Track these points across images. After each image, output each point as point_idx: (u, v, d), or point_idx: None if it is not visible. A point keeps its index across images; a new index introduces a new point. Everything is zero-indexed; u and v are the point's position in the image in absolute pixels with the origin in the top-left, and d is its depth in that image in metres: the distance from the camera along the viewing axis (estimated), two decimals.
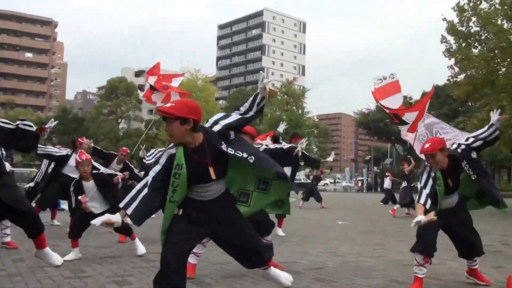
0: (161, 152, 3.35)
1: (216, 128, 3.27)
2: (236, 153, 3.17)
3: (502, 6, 18.02)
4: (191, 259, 4.93)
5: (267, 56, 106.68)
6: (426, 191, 4.46)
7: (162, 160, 3.18)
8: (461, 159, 4.66)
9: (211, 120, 3.36)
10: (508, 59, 18.54)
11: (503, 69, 19.31)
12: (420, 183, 4.61)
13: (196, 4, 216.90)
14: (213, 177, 3.18)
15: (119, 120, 65.13)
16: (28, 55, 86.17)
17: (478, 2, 19.21)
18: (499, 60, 18.85)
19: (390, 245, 8.10)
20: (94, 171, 6.41)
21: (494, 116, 4.93)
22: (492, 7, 18.75)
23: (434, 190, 4.53)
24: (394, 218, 14.49)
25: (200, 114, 3.15)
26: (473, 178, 4.64)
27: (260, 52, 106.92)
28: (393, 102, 8.24)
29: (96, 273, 5.17)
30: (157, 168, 3.18)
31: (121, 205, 3.07)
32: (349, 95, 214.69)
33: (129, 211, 3.03)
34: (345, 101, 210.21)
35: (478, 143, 4.82)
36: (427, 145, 4.55)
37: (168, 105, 3.15)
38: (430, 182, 4.55)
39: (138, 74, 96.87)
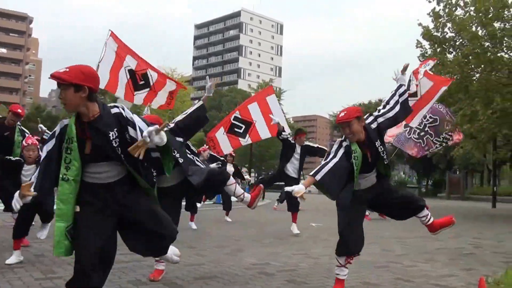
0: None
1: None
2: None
3: (476, 13, 18.28)
4: (159, 266, 4.88)
5: (244, 57, 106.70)
6: (328, 166, 4.08)
7: (56, 132, 3.02)
8: (375, 137, 4.30)
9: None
10: (482, 65, 18.81)
11: (477, 75, 19.61)
12: (326, 157, 4.24)
13: (173, 2, 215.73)
14: (87, 151, 2.93)
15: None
16: (2, 50, 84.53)
17: (454, 9, 19.45)
18: (473, 66, 19.11)
19: (363, 247, 8.09)
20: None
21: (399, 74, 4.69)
22: (467, 14, 19.01)
23: (345, 165, 4.13)
24: (369, 221, 14.53)
25: (97, 83, 2.99)
26: (385, 162, 4.40)
27: (237, 53, 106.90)
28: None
29: (67, 274, 5.02)
30: (51, 140, 3.02)
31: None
32: (325, 97, 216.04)
33: (33, 187, 2.93)
34: (321, 103, 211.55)
35: (391, 110, 4.46)
36: (342, 114, 4.23)
37: (62, 70, 2.91)
38: (340, 155, 4.16)
39: None
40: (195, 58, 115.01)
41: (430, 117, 10.66)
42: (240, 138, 9.64)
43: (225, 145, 9.45)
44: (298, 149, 9.40)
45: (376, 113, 4.47)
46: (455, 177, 44.55)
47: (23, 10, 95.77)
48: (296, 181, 8.79)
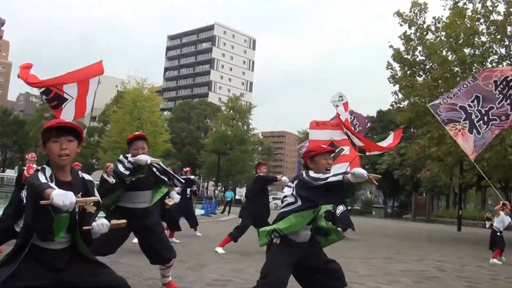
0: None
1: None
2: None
3: (447, 39, 18.57)
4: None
5: (216, 70, 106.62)
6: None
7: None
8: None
9: None
10: (451, 90, 19.04)
11: None
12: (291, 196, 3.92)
13: (147, 12, 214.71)
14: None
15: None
16: None
17: (425, 33, 19.73)
18: (442, 89, 19.34)
19: None
20: None
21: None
22: (438, 39, 19.32)
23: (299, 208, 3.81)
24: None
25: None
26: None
27: (209, 66, 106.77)
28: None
29: None
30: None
31: None
32: (294, 113, 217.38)
33: None
34: (290, 120, 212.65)
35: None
36: (326, 146, 4.10)
37: (68, 120, 2.89)
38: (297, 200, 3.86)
39: None
40: (166, 69, 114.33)
41: (469, 105, 8.21)
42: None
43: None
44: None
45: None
46: (421, 199, 45.06)
47: None
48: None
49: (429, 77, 19.44)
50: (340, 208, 16.03)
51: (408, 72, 20.27)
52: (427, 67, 19.95)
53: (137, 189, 5.05)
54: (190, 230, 12.33)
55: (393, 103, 21.57)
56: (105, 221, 2.79)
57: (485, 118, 7.26)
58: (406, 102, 20.93)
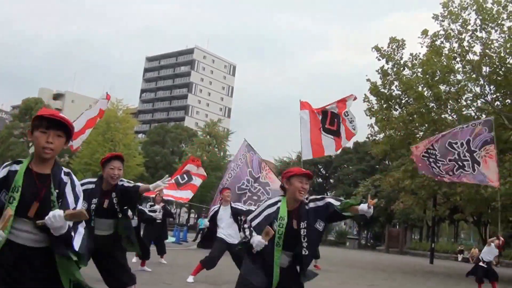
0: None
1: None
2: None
3: (423, 75, 18.94)
4: None
5: (194, 94, 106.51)
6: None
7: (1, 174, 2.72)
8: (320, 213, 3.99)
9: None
10: (426, 124, 19.38)
11: (421, 133, 20.14)
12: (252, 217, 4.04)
13: (124, 32, 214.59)
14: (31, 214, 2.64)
15: (30, 144, 61.93)
16: None
17: (402, 69, 20.09)
18: (417, 124, 19.66)
19: None
20: None
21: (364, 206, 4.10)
22: (414, 75, 19.70)
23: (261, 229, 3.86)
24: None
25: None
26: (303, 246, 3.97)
27: (187, 90, 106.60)
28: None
29: None
30: None
31: None
32: (272, 141, 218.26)
33: None
34: (268, 147, 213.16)
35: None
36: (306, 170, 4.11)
37: (60, 114, 2.76)
38: (260, 219, 3.96)
39: (56, 97, 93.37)
40: (143, 91, 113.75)
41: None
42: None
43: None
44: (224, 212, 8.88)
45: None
46: (395, 230, 45.25)
47: None
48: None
49: (405, 112, 19.73)
50: None
51: (384, 105, 20.57)
52: (403, 101, 20.29)
53: (99, 217, 4.99)
54: (157, 257, 12.13)
55: (369, 135, 21.80)
56: (57, 212, 2.57)
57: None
58: (381, 135, 21.17)
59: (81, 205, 2.81)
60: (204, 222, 32.89)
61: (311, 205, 4.04)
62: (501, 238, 11.14)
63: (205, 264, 8.62)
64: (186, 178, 13.41)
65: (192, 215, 46.62)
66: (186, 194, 13.38)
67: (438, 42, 19.54)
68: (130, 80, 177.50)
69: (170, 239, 22.93)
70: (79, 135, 8.75)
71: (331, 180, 49.20)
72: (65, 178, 2.80)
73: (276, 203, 4.03)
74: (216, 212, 8.78)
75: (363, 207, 4.03)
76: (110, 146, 41.51)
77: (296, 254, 3.98)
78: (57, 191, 2.69)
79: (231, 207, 8.73)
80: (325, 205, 4.01)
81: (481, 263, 11.13)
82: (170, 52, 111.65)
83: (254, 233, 3.87)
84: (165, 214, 12.68)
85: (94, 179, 5.16)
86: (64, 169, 2.86)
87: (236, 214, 8.61)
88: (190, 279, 8.71)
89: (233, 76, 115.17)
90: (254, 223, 3.96)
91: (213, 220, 8.83)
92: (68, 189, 2.77)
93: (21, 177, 2.64)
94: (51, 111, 2.77)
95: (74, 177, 2.87)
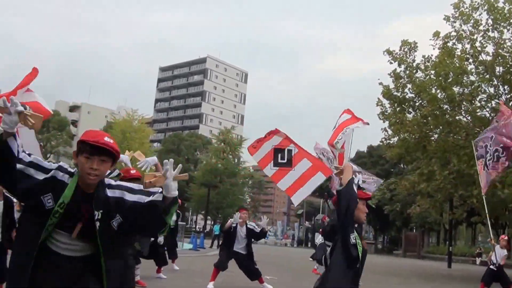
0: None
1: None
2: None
3: (436, 77, 18.85)
4: None
5: (207, 102, 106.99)
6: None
7: (52, 173, 2.60)
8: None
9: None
10: (440, 127, 19.28)
11: (435, 136, 20.06)
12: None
13: (138, 42, 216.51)
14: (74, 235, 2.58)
15: (48, 155, 62.67)
16: None
17: (414, 71, 20.02)
18: (431, 126, 19.56)
19: None
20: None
21: None
22: (428, 77, 19.60)
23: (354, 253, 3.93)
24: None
25: None
26: None
27: (200, 98, 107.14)
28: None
29: None
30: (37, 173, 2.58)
31: None
32: None
33: None
34: None
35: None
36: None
37: (106, 138, 2.64)
38: (351, 239, 3.92)
39: (73, 108, 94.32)
40: (157, 100, 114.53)
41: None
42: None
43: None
44: (241, 230, 9.30)
45: None
46: (412, 234, 44.89)
47: None
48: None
49: (419, 114, 19.65)
50: (319, 238, 15.81)
51: (398, 109, 20.49)
52: (417, 104, 20.18)
53: None
54: (171, 264, 12.17)
55: (383, 139, 21.72)
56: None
57: (492, 157, 8.63)
58: (395, 138, 21.08)
59: (149, 197, 2.72)
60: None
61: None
62: (505, 237, 11.02)
63: (218, 266, 9.11)
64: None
65: (208, 222, 46.75)
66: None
67: (450, 44, 19.50)
68: (144, 90, 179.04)
69: (187, 245, 23.07)
70: None
71: None
72: (111, 192, 2.70)
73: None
74: (234, 230, 9.23)
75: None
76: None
77: None
78: (101, 211, 2.60)
79: (247, 227, 9.26)
80: None
81: (491, 266, 10.97)
82: (183, 62, 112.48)
83: None
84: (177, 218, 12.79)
85: None
86: (110, 182, 2.77)
87: (250, 234, 9.25)
88: (210, 285, 8.85)
89: (245, 84, 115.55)
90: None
91: (228, 234, 9.35)
92: (128, 196, 2.71)
93: (70, 193, 2.57)
94: (95, 135, 2.66)
95: (122, 183, 2.80)
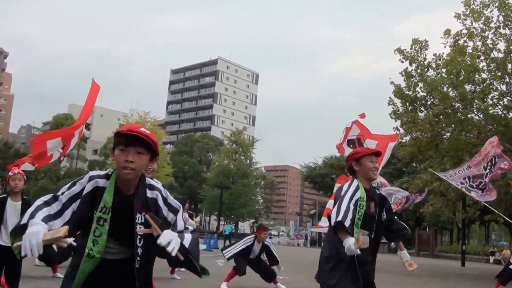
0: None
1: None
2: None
3: (448, 75, 18.77)
4: None
5: (219, 104, 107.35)
6: (350, 215, 3.60)
7: (84, 188, 2.45)
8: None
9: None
10: (452, 125, 19.20)
11: (447, 134, 19.97)
12: (343, 198, 3.71)
13: (149, 46, 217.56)
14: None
15: (62, 158, 63.29)
16: None
17: (426, 70, 19.96)
18: (443, 125, 19.48)
19: None
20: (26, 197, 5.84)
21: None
22: (439, 75, 19.53)
23: (353, 216, 3.64)
24: None
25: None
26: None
27: (212, 100, 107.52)
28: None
29: None
30: (73, 194, 2.42)
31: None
32: (297, 147, 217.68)
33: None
34: (293, 154, 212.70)
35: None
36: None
37: (142, 129, 2.45)
38: (354, 201, 3.70)
39: None
40: (169, 103, 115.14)
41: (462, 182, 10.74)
42: None
43: None
44: (257, 247, 9.32)
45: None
46: (425, 234, 44.67)
47: None
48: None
49: (430, 113, 19.57)
50: None
51: (410, 108, 20.43)
52: (428, 103, 20.09)
53: None
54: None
55: None
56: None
57: (479, 187, 9.14)
58: (408, 137, 21.03)
59: (180, 217, 2.61)
60: (231, 228, 33.00)
61: (381, 191, 4.08)
62: None
63: (237, 270, 9.17)
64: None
65: (221, 223, 46.90)
66: None
67: (461, 42, 19.41)
68: (156, 92, 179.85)
69: (201, 246, 23.20)
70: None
71: None
72: (150, 193, 2.55)
73: (351, 184, 3.86)
74: (250, 248, 9.25)
75: (404, 255, 4.37)
76: None
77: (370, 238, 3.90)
78: (143, 213, 2.45)
79: (263, 244, 9.27)
80: (389, 208, 4.07)
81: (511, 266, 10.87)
82: (194, 64, 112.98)
83: (347, 236, 3.57)
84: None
85: None
86: (151, 182, 2.60)
87: (265, 250, 9.30)
88: (224, 285, 8.92)
89: (256, 85, 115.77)
90: (348, 221, 3.61)
91: (245, 252, 9.24)
92: (160, 203, 2.56)
93: (111, 196, 2.42)
94: (130, 126, 2.51)
95: (162, 188, 2.62)
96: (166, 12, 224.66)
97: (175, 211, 2.60)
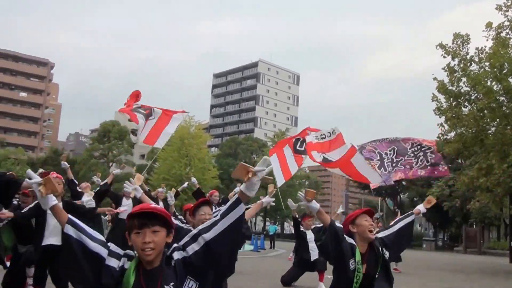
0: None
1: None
2: None
3: (491, 69, 18.55)
4: None
5: (261, 106, 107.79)
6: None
7: (114, 264, 2.45)
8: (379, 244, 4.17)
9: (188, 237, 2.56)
10: (497, 119, 18.94)
11: (492, 129, 19.70)
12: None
13: (192, 51, 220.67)
14: None
15: (110, 164, 65.00)
16: (23, 94, 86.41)
17: (468, 64, 19.74)
18: (488, 119, 19.25)
19: None
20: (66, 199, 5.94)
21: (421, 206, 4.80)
22: (482, 69, 19.29)
23: (348, 279, 3.93)
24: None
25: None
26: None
27: (254, 102, 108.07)
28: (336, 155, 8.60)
29: None
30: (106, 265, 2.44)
31: None
32: None
33: None
34: None
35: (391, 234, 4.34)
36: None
37: (152, 205, 2.54)
38: (350, 265, 3.93)
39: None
40: (212, 106, 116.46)
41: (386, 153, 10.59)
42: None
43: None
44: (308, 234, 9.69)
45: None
46: (472, 230, 43.74)
47: (45, 56, 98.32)
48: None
49: (475, 108, 19.36)
50: None
51: (453, 103, 20.23)
52: (472, 97, 19.87)
53: None
54: (237, 267, 12.37)
55: (440, 135, 21.47)
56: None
57: (393, 164, 9.07)
58: (452, 134, 20.84)
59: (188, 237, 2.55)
60: (275, 228, 33.10)
61: (380, 235, 4.29)
62: None
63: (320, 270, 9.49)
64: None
65: (267, 223, 47.24)
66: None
67: (503, 34, 19.14)
68: (200, 97, 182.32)
69: (248, 247, 23.60)
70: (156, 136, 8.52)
71: (403, 183, 48.28)
72: (178, 255, 2.51)
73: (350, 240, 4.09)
74: (303, 232, 9.74)
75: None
76: (186, 162, 43.10)
77: None
78: (172, 283, 2.39)
79: (312, 229, 9.72)
80: (394, 232, 4.35)
81: None
82: (236, 67, 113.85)
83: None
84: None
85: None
86: (176, 248, 2.54)
87: (316, 232, 9.58)
88: (322, 286, 9.28)
89: (297, 86, 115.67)
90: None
91: (301, 236, 9.72)
92: (182, 272, 2.47)
93: (131, 277, 2.38)
94: (140, 206, 2.50)
95: (175, 246, 2.55)
96: (207, 18, 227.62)
97: (188, 240, 2.54)
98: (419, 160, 9.09)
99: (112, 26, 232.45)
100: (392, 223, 4.61)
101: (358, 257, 3.92)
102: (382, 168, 9.35)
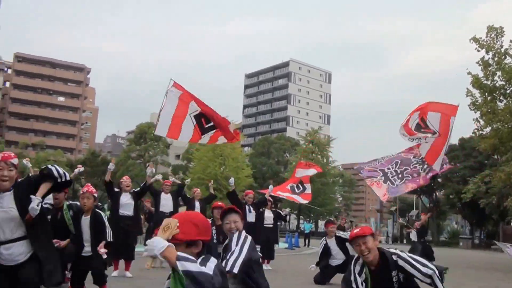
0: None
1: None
2: None
3: None
4: None
5: (293, 105, 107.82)
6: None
7: None
8: (394, 267, 4.16)
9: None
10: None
11: None
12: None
13: (224, 52, 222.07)
14: None
15: (147, 164, 65.94)
16: (61, 99, 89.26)
17: (503, 57, 19.45)
18: None
19: None
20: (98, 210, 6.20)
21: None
22: None
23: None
24: None
25: (209, 232, 2.62)
26: None
27: (286, 101, 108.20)
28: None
29: None
30: None
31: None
32: (374, 145, 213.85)
33: None
34: (370, 151, 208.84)
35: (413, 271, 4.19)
36: (356, 230, 4.26)
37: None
38: (358, 282, 4.05)
39: None
40: (245, 106, 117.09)
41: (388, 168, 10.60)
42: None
43: None
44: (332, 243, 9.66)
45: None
46: (509, 228, 42.85)
47: (82, 61, 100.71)
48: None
49: (511, 102, 19.09)
50: (414, 234, 16.36)
51: (489, 98, 19.95)
52: (508, 91, 19.55)
53: None
54: (273, 265, 12.35)
55: (475, 130, 21.19)
56: None
57: (399, 175, 9.18)
58: (488, 129, 20.56)
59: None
60: (310, 227, 33.22)
61: (400, 263, 4.20)
62: None
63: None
64: (301, 188, 14.03)
65: (301, 222, 47.29)
66: (302, 200, 14.32)
67: None
68: (232, 97, 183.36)
69: (282, 245, 23.80)
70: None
71: (439, 179, 47.57)
72: None
73: (358, 259, 4.25)
74: (326, 246, 9.67)
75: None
76: (220, 161, 43.63)
77: None
78: None
79: (336, 237, 9.60)
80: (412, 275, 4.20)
81: None
82: (267, 67, 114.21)
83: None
84: (277, 217, 13.22)
85: None
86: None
87: (341, 242, 9.45)
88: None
89: (329, 84, 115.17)
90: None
91: (326, 253, 9.62)
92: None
93: None
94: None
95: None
96: (236, 19, 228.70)
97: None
98: (425, 165, 9.35)
99: (147, 30, 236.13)
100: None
101: (366, 271, 4.14)
102: (389, 182, 9.71)
